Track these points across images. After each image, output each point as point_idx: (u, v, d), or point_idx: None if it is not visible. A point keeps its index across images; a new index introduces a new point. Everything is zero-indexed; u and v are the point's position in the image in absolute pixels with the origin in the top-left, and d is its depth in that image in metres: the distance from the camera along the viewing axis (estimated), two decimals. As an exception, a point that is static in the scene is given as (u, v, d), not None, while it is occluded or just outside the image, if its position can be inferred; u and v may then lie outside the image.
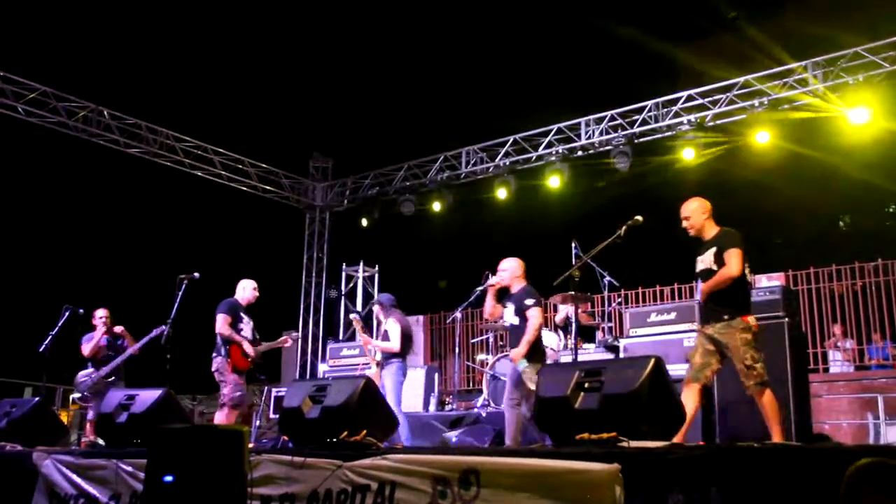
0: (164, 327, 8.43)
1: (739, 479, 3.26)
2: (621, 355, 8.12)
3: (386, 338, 8.16)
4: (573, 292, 6.87)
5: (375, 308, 8.63)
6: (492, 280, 7.14)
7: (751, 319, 5.61)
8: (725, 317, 5.61)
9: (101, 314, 9.35)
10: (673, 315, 8.04)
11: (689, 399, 5.53)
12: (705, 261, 5.81)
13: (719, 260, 5.68)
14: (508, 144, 12.90)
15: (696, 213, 5.90)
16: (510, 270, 7.04)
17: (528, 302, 6.80)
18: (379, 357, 8.18)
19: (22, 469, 6.18)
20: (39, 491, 6.02)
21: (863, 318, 11.77)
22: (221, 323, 8.00)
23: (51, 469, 6.01)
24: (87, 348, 9.16)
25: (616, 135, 11.91)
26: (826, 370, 11.64)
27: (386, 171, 14.53)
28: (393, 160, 14.43)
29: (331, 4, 17.06)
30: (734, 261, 5.61)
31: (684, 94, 11.42)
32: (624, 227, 6.26)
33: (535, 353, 6.80)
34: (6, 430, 6.95)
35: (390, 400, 7.88)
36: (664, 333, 7.95)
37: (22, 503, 6.01)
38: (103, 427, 6.44)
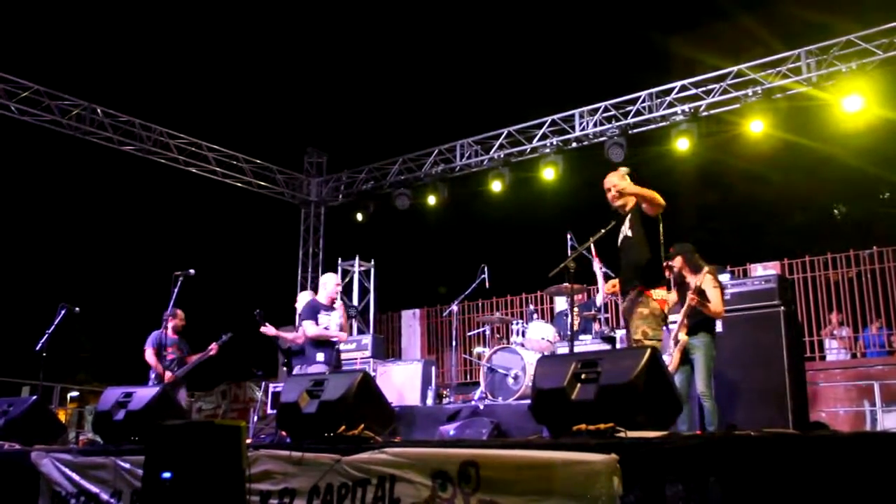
0: (227, 335, 8.88)
1: (737, 468, 3.27)
2: (618, 346, 8.12)
3: None
4: (569, 284, 6.83)
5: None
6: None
7: (655, 293, 5.42)
8: (634, 287, 5.49)
9: (180, 315, 9.23)
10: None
11: None
12: (623, 230, 5.67)
13: (636, 224, 5.54)
14: (503, 137, 12.88)
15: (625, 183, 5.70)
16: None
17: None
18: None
19: (20, 468, 6.17)
20: (43, 492, 6.01)
21: (858, 305, 11.79)
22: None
23: (50, 468, 6.00)
24: (150, 351, 8.99)
25: (610, 126, 11.91)
26: (822, 358, 11.66)
27: (380, 165, 14.52)
28: (387, 154, 14.43)
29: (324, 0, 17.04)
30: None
31: (678, 84, 11.42)
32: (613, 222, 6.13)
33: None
34: (4, 430, 6.92)
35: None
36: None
37: (21, 502, 6.00)
38: (101, 424, 6.44)
